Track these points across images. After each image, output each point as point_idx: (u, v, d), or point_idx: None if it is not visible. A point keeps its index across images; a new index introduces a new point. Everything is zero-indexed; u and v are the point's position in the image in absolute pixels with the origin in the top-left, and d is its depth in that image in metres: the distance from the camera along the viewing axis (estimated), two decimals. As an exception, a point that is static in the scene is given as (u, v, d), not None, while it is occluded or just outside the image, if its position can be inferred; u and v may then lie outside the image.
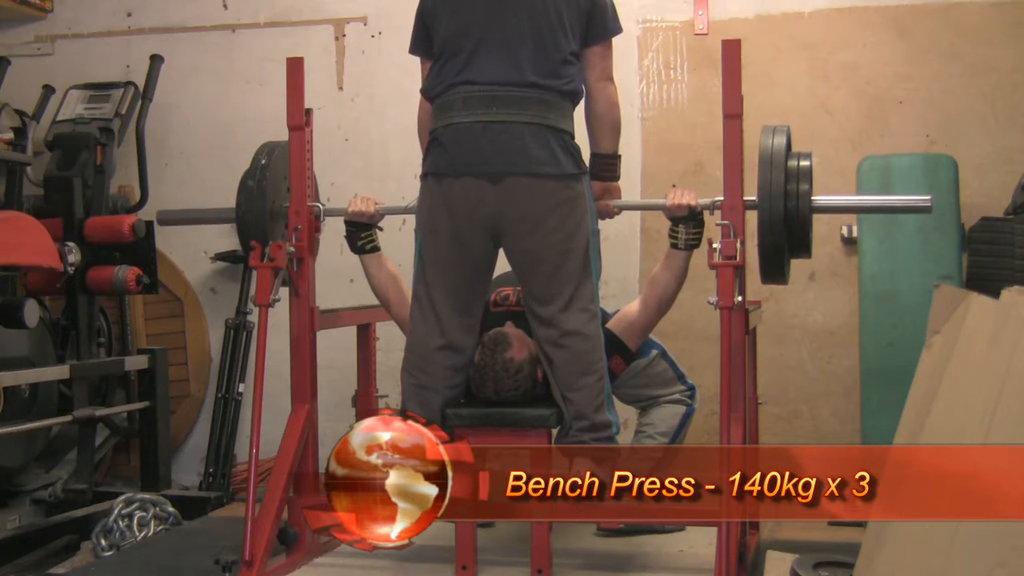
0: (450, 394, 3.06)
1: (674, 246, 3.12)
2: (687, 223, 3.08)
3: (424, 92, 3.05)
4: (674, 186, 4.42)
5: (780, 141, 2.98)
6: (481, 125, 2.88)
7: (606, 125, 3.03)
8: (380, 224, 3.33)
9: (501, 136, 2.86)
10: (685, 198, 3.07)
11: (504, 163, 2.86)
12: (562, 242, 2.91)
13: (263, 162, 3.33)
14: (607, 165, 3.08)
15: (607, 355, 3.06)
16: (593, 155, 3.07)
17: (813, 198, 2.98)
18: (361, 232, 3.30)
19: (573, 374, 2.94)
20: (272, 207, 3.31)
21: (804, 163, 2.97)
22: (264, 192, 3.30)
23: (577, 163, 2.93)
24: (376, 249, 3.32)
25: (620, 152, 3.11)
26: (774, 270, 3.02)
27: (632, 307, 3.29)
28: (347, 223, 3.31)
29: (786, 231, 2.95)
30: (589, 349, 2.95)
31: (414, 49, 3.10)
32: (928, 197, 3.04)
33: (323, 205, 3.34)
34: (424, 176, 3.00)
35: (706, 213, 3.09)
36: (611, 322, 3.27)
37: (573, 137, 2.95)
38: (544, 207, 2.88)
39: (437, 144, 2.95)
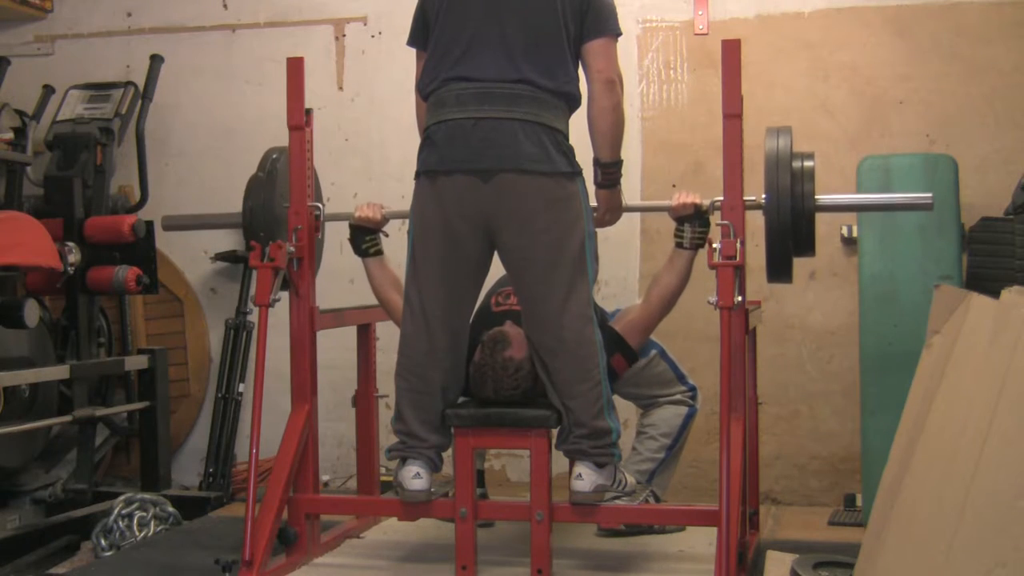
0: (446, 397, 3.05)
1: (679, 245, 3.12)
2: (692, 222, 3.08)
3: (419, 88, 3.04)
4: (674, 185, 4.48)
5: (785, 143, 2.99)
6: (472, 122, 2.86)
7: (595, 130, 2.97)
8: (385, 229, 3.35)
9: (492, 133, 2.84)
10: (690, 197, 3.06)
11: (495, 159, 2.84)
12: (554, 242, 2.88)
13: (272, 162, 3.36)
14: (601, 172, 3.03)
15: (609, 353, 3.04)
16: (593, 161, 3.04)
17: (816, 197, 2.99)
18: (366, 236, 3.31)
19: (569, 381, 2.92)
20: (278, 213, 3.32)
21: (808, 164, 3.00)
22: (271, 198, 3.31)
23: (571, 162, 2.90)
24: (380, 253, 3.34)
25: (621, 158, 3.04)
26: (781, 270, 3.04)
27: (635, 305, 3.28)
28: (352, 227, 3.31)
29: (792, 231, 2.96)
30: (586, 355, 2.92)
31: (413, 41, 3.08)
32: (929, 195, 3.06)
33: (323, 206, 3.35)
34: (417, 175, 2.99)
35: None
36: (613, 320, 3.26)
37: (567, 138, 2.93)
38: (536, 205, 2.86)
39: (429, 142, 2.93)
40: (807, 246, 3.04)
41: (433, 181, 2.93)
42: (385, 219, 3.32)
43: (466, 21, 2.92)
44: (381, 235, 3.35)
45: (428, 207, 2.95)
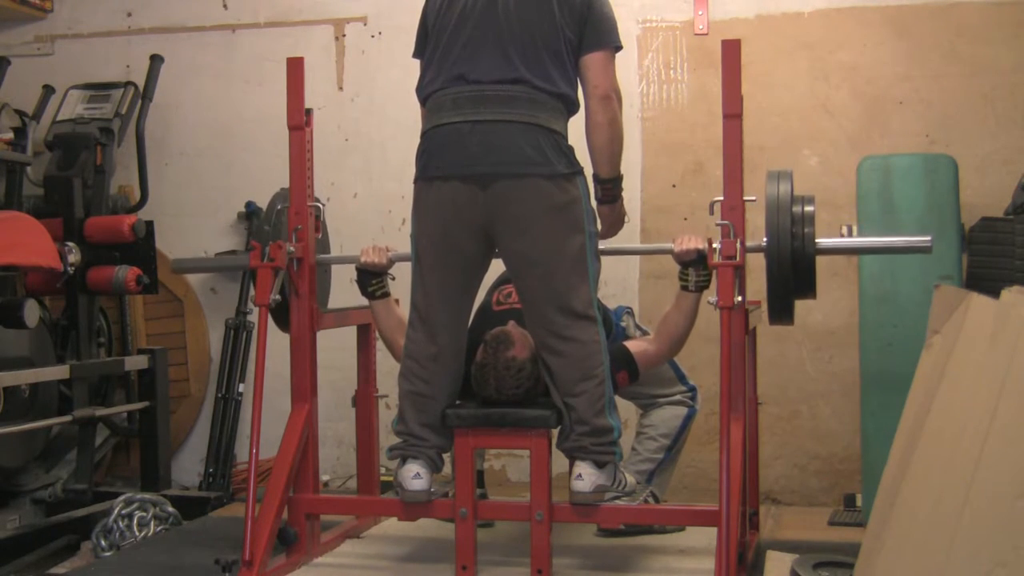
0: (448, 399, 3.06)
1: (684, 288, 3.09)
2: (696, 266, 3.06)
3: (417, 91, 3.03)
4: (674, 186, 4.48)
5: (785, 187, 2.99)
6: (469, 125, 2.85)
7: (592, 145, 2.96)
8: (392, 272, 3.33)
9: (489, 136, 2.83)
10: (693, 243, 3.04)
11: (492, 163, 2.83)
12: (555, 244, 2.87)
13: (276, 213, 3.34)
14: (600, 189, 3.02)
15: (616, 369, 3.04)
16: (592, 177, 3.02)
17: (817, 240, 3.00)
18: (372, 279, 3.29)
19: (572, 380, 2.92)
20: None
21: (808, 208, 3.00)
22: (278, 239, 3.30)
23: (570, 162, 2.89)
24: (386, 295, 3.32)
25: (620, 174, 3.03)
26: (782, 313, 3.04)
27: (650, 338, 3.27)
28: (358, 270, 3.31)
29: (793, 274, 2.96)
30: (587, 355, 2.92)
31: (418, 53, 3.08)
32: (928, 238, 3.06)
33: (323, 205, 3.35)
34: (415, 180, 2.98)
35: (705, 212, 3.09)
36: (631, 342, 3.25)
37: (566, 138, 2.91)
38: (535, 209, 2.85)
39: (427, 146, 2.93)
40: (808, 288, 3.04)
41: (431, 186, 2.92)
42: (391, 262, 3.29)
43: (463, 24, 2.91)
44: (388, 277, 3.33)
45: (427, 213, 2.95)
